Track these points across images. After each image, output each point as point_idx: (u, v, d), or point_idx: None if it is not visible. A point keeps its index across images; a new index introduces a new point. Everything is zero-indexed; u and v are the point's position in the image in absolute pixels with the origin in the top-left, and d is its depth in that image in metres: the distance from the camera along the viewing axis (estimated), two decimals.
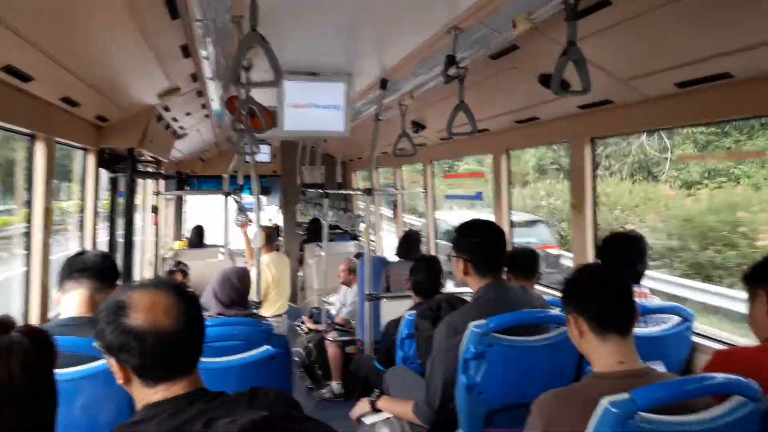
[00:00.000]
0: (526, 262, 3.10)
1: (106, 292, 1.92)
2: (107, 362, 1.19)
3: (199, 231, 7.46)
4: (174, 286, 1.23)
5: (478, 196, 4.87)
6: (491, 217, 3.86)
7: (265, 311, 4.73)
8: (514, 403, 2.03)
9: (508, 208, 3.81)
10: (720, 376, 1.42)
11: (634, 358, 1.51)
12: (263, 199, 9.90)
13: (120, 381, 1.18)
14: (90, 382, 1.71)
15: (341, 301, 5.13)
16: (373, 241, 7.15)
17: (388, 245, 7.18)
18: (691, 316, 2.36)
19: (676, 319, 2.36)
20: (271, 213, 10.80)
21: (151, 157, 5.08)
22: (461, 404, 2.07)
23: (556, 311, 2.16)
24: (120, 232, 4.56)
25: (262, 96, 3.24)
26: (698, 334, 2.47)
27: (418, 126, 4.18)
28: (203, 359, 1.23)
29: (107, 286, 1.98)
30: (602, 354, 1.52)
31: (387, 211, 8.35)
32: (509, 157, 3.76)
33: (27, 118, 2.61)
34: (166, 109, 3.99)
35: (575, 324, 1.56)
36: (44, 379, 1.02)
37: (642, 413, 1.32)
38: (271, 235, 5.11)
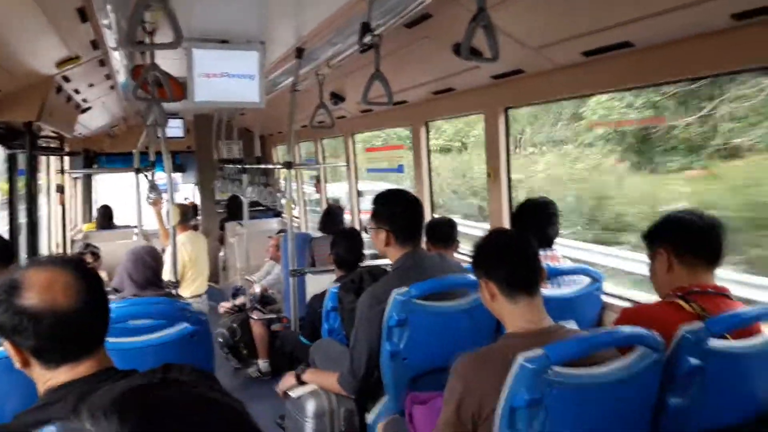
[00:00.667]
0: (444, 230, 3.18)
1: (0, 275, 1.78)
2: (4, 346, 1.11)
3: (106, 211, 7.07)
4: (73, 262, 1.15)
5: (399, 169, 4.90)
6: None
7: (183, 292, 4.58)
8: (437, 367, 2.08)
9: (429, 180, 3.86)
10: (626, 329, 1.51)
11: (543, 316, 1.58)
12: (179, 176, 9.52)
13: (18, 365, 1.10)
14: None
15: (266, 271, 5.07)
16: (296, 217, 7.06)
17: (312, 221, 7.12)
18: (600, 277, 2.49)
19: (586, 280, 2.48)
20: (188, 191, 10.42)
21: (52, 132, 4.72)
22: (386, 371, 2.11)
23: (473, 277, 2.22)
24: (23, 213, 4.24)
25: (172, 66, 3.07)
26: (607, 294, 2.62)
27: (337, 98, 4.12)
28: (117, 340, 1.17)
29: (1, 268, 1.85)
30: (514, 315, 1.57)
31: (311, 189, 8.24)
32: (428, 129, 3.80)
33: None
34: (66, 79, 3.69)
35: (486, 288, 1.61)
36: None
37: (555, 367, 1.38)
38: (185, 212, 4.91)
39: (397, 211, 2.22)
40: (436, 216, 3.93)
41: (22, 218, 4.25)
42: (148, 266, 2.83)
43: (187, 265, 4.79)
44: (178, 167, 8.81)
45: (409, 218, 2.22)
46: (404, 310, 2.03)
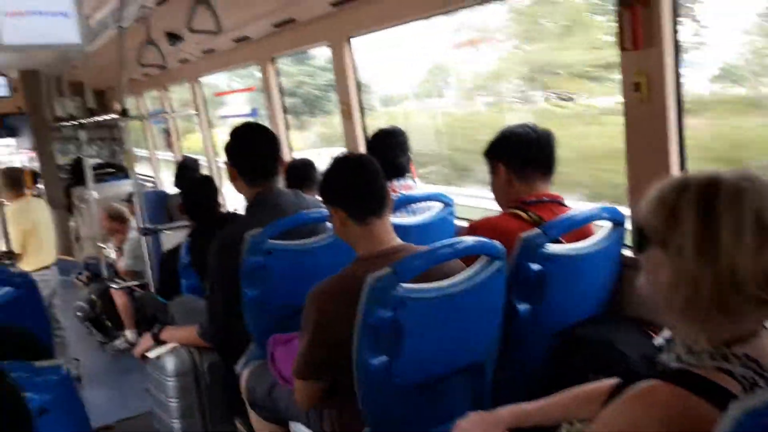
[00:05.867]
0: (302, 171, 3.09)
1: None
2: None
3: None
4: None
5: (254, 113, 4.68)
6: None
7: (27, 265, 4.11)
8: (302, 306, 2.04)
9: (284, 119, 3.72)
10: (468, 239, 1.55)
11: (392, 237, 1.58)
12: (11, 141, 8.48)
13: None
14: None
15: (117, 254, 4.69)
16: (150, 176, 6.58)
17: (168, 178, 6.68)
18: (450, 201, 2.54)
19: (438, 206, 2.53)
20: (25, 158, 9.33)
21: None
22: (249, 317, 2.03)
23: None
24: None
25: None
26: (460, 218, 2.70)
27: (175, 38, 3.79)
28: None
29: None
30: (364, 239, 1.56)
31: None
32: (276, 65, 3.63)
33: None
34: None
35: (336, 215, 1.58)
36: None
37: (405, 284, 1.39)
38: (14, 177, 4.36)
39: (241, 144, 2.10)
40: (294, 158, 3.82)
41: None
42: None
43: (25, 235, 4.29)
44: (10, 131, 7.84)
45: (255, 153, 2.09)
46: (260, 252, 1.94)
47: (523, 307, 1.67)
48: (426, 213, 2.48)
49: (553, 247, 1.67)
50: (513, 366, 1.73)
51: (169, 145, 5.98)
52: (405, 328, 1.40)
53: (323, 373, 1.54)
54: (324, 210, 2.16)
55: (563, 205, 1.87)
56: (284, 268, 2.03)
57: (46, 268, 4.34)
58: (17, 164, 7.48)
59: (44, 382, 1.07)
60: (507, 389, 1.68)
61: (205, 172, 4.78)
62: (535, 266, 1.63)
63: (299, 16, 2.99)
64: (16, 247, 3.89)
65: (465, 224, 2.66)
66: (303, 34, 3.15)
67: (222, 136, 5.32)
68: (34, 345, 1.22)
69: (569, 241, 1.76)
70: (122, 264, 4.52)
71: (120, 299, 4.43)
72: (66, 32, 2.78)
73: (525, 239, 1.61)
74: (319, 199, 1.72)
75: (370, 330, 1.38)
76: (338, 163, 1.65)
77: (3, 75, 6.58)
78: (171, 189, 4.63)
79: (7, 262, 3.05)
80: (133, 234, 4.39)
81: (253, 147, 2.11)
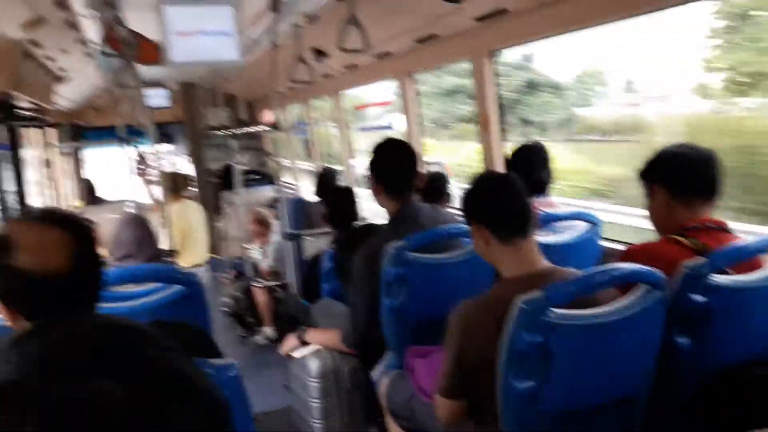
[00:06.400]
0: (435, 185, 3.13)
1: None
2: None
3: (88, 186, 6.98)
4: (65, 218, 1.08)
5: (389, 126, 4.80)
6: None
7: (183, 262, 4.54)
8: (437, 320, 2.05)
9: (419, 134, 3.78)
10: (625, 266, 1.47)
11: (539, 258, 1.54)
12: (170, 147, 9.41)
13: (8, 322, 1.05)
14: None
15: (262, 254, 5.02)
16: (291, 183, 6.99)
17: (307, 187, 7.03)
18: (597, 221, 2.43)
19: (583, 225, 2.42)
20: (181, 162, 10.32)
21: (31, 103, 4.60)
22: (387, 326, 2.08)
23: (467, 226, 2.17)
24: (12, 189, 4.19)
25: (146, 28, 2.97)
26: (607, 239, 2.57)
27: (320, 54, 4.00)
28: (107, 305, 1.12)
29: None
30: (509, 259, 1.53)
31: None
32: (414, 81, 3.69)
33: None
34: (36, 44, 3.56)
35: (479, 234, 1.57)
36: None
37: (555, 309, 1.35)
38: (176, 181, 4.83)
39: (384, 160, 2.16)
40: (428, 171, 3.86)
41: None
42: (137, 233, 2.81)
43: (184, 234, 4.74)
44: (167, 138, 8.70)
45: (397, 168, 2.15)
46: (400, 264, 1.99)
47: (683, 341, 1.55)
48: (568, 233, 2.39)
49: (719, 278, 1.53)
50: (666, 404, 1.61)
51: (309, 155, 6.31)
52: (554, 355, 1.36)
53: (465, 393, 1.54)
54: (461, 225, 2.17)
55: (728, 232, 1.71)
56: (422, 280, 2.06)
57: (199, 265, 4.76)
58: (175, 169, 8.31)
59: (220, 380, 1.16)
60: (658, 428, 1.58)
61: (342, 182, 4.97)
62: (699, 298, 1.51)
63: (442, 31, 3.02)
64: (174, 246, 4.31)
65: (611, 245, 2.54)
66: (443, 49, 3.18)
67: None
68: (207, 342, 1.32)
69: (737, 272, 1.61)
70: (265, 264, 4.83)
71: (261, 297, 4.73)
72: (227, 50, 3.05)
73: (688, 268, 1.50)
74: (456, 213, 1.73)
75: (517, 354, 1.35)
76: (483, 179, 1.64)
77: (165, 87, 7.28)
78: (309, 197, 4.88)
79: (167, 259, 3.37)
80: (275, 237, 4.68)
81: (396, 162, 2.17)
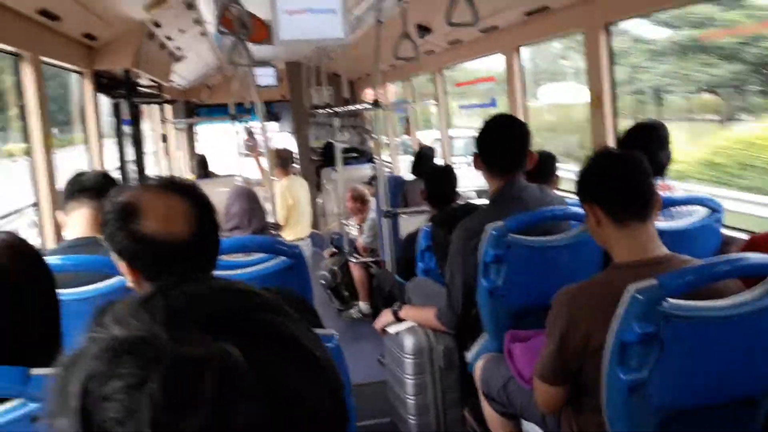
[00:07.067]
0: (542, 164, 3.00)
1: None
2: (116, 264, 1.14)
3: (202, 161, 7.39)
4: (185, 187, 1.14)
5: (493, 103, 4.66)
6: None
7: (287, 235, 4.72)
8: (538, 305, 1.99)
9: (525, 110, 3.65)
10: (752, 256, 1.34)
11: (657, 244, 1.43)
12: (275, 125, 9.77)
13: (130, 283, 1.13)
14: (105, 299, 1.69)
15: (358, 231, 5.10)
16: (388, 162, 7.02)
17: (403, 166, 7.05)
18: (719, 207, 2.24)
19: (703, 211, 2.25)
20: (284, 140, 10.71)
21: (150, 80, 4.94)
22: (484, 308, 2.05)
23: (576, 209, 2.08)
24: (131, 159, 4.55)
25: (256, 6, 3.08)
26: (728, 227, 2.36)
27: (424, 29, 3.96)
28: (219, 272, 1.17)
29: None
30: (623, 243, 1.44)
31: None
32: (519, 56, 3.56)
33: (6, 34, 2.48)
34: (157, 25, 3.80)
35: (592, 213, 1.48)
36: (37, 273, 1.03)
37: (671, 299, 1.26)
38: (284, 157, 5.01)
39: (488, 136, 2.10)
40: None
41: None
42: (248, 206, 2.95)
43: (290, 209, 4.93)
44: (273, 116, 9.02)
45: (501, 145, 2.08)
46: (500, 245, 1.94)
47: None
48: (687, 218, 2.22)
49: None
50: None
51: (408, 134, 6.30)
52: (667, 348, 1.27)
53: (567, 380, 1.49)
54: (570, 208, 2.08)
55: None
56: (522, 263, 1.99)
57: (301, 239, 4.93)
58: (282, 146, 8.64)
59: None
60: None
61: (439, 161, 4.93)
62: None
63: (553, 3, 2.88)
64: (280, 220, 4.48)
65: (732, 234, 2.34)
66: (554, 22, 3.03)
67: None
68: (311, 311, 1.35)
69: None
70: (361, 240, 4.92)
71: (357, 272, 4.83)
72: (333, 28, 3.09)
73: None
74: (563, 195, 1.65)
75: (626, 344, 1.28)
76: (602, 156, 1.56)
77: (272, 66, 7.51)
78: (406, 175, 4.89)
79: (273, 232, 3.52)
80: (372, 214, 4.74)
81: (499, 138, 2.11)
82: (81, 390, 0.39)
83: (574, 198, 1.64)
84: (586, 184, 1.52)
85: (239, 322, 0.43)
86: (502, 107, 4.31)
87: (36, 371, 0.95)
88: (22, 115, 2.82)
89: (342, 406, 0.47)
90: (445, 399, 2.29)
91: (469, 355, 2.21)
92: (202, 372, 0.39)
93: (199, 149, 9.12)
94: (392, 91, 7.28)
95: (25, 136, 2.84)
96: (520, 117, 3.69)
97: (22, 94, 2.77)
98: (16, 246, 1.05)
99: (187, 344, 0.40)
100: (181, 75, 6.17)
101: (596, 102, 2.84)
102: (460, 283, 2.08)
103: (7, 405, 0.95)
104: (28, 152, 2.85)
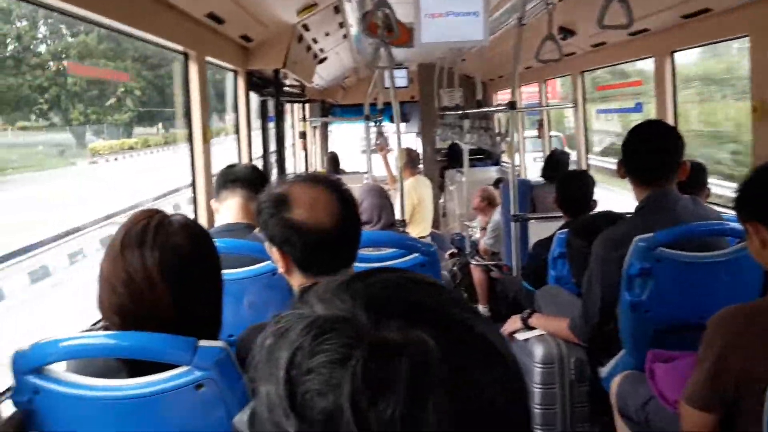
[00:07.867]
0: (692, 175, 2.80)
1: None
2: (269, 251, 1.25)
3: (333, 158, 7.68)
4: (331, 182, 1.25)
5: (638, 108, 4.40)
6: None
7: (410, 233, 4.81)
8: (685, 324, 1.87)
9: (675, 120, 3.41)
10: None
11: None
12: (402, 125, 9.92)
13: (281, 269, 1.24)
14: (255, 281, 1.84)
15: (481, 233, 5.06)
16: (516, 165, 6.85)
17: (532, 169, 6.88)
18: None
19: None
20: (410, 140, 10.84)
21: (295, 80, 5.24)
22: (624, 323, 1.96)
23: (734, 225, 1.93)
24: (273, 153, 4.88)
25: (397, 10, 3.18)
26: None
27: (567, 32, 3.84)
28: (359, 264, 1.24)
29: (258, 194, 2.11)
30: None
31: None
32: (674, 60, 3.33)
33: (178, 35, 2.74)
34: (306, 28, 4.03)
35: (755, 233, 1.35)
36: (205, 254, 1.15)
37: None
38: (413, 157, 5.11)
39: (633, 142, 2.00)
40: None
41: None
42: (379, 202, 3.06)
43: (415, 207, 5.02)
44: (403, 116, 9.18)
45: (647, 152, 1.98)
46: (648, 258, 1.84)
47: None
48: None
49: None
50: None
51: (540, 137, 6.15)
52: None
53: (720, 408, 1.39)
54: (729, 224, 1.93)
55: None
56: (671, 279, 1.89)
57: (423, 237, 4.99)
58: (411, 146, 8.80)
59: None
60: None
61: (573, 167, 4.76)
62: None
63: (715, 5, 2.67)
64: (405, 217, 4.57)
65: None
66: (715, 24, 2.81)
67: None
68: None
69: None
70: (483, 243, 4.88)
71: (477, 275, 4.80)
72: (473, 30, 3.11)
73: None
74: (720, 210, 1.54)
75: None
76: (767, 170, 1.43)
77: (404, 68, 7.62)
78: (535, 178, 4.76)
79: (400, 228, 3.60)
80: (496, 216, 4.69)
81: (645, 145, 2.01)
82: (288, 361, 0.43)
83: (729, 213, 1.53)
84: (748, 201, 1.40)
85: (432, 315, 0.45)
86: (647, 113, 4.06)
87: (203, 343, 1.06)
88: (187, 110, 3.11)
89: (527, 413, 0.47)
90: (574, 413, 2.21)
91: (604, 371, 2.13)
92: (400, 356, 0.41)
93: (333, 147, 9.52)
94: (503, 97, 7.16)
95: (188, 127, 3.13)
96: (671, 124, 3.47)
97: (187, 90, 3.06)
98: (191, 227, 1.18)
99: (385, 329, 0.42)
100: (321, 76, 6.48)
101: (760, 111, 2.59)
102: (598, 295, 2.01)
103: (176, 371, 1.06)
104: (189, 139, 3.14)
